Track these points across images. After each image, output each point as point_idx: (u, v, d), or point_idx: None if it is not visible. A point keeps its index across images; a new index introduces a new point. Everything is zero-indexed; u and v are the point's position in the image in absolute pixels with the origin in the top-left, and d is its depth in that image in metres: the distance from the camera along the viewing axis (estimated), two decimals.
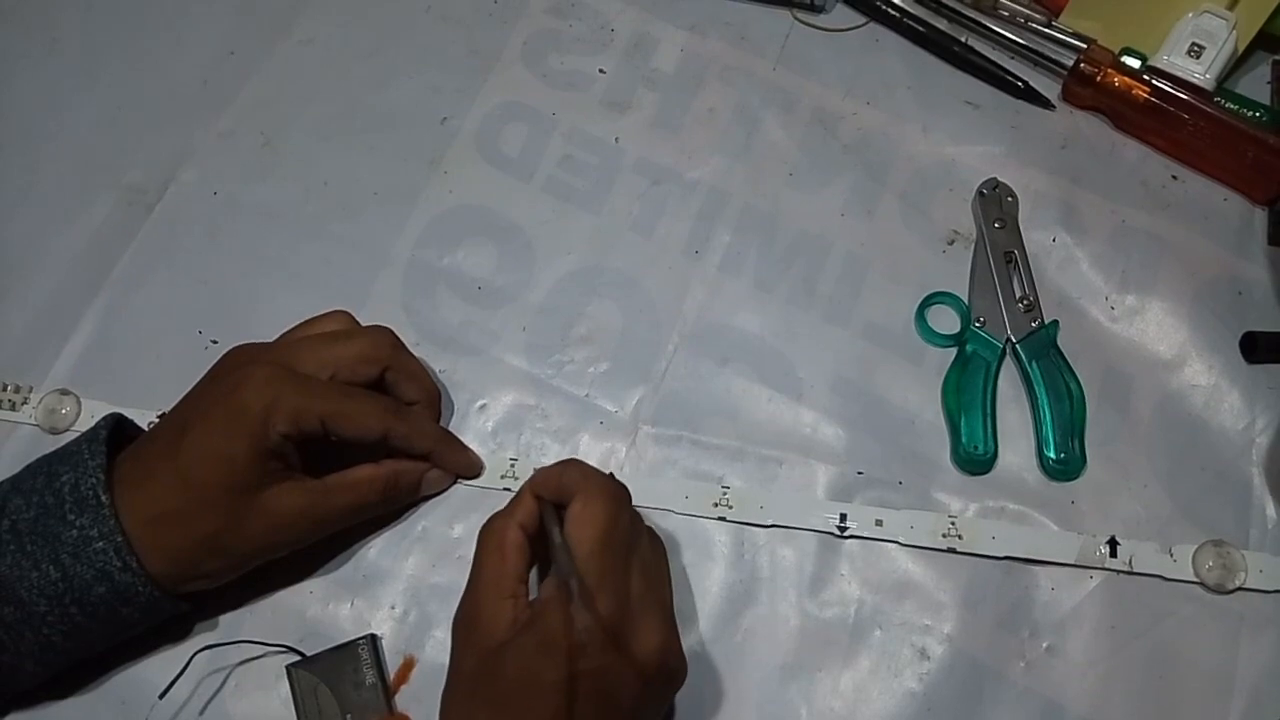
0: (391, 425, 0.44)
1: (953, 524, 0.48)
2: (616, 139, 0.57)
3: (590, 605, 0.37)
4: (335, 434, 0.43)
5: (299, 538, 0.44)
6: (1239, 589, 0.46)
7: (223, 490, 0.41)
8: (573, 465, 0.43)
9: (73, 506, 0.40)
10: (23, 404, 0.51)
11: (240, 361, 0.44)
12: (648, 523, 0.45)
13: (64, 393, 0.51)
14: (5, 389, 0.51)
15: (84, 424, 0.50)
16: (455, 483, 0.49)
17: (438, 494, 0.48)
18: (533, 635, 0.38)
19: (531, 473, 0.44)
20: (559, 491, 0.42)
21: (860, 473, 0.49)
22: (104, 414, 0.46)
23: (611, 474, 0.44)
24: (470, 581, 0.41)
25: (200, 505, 0.41)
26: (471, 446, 0.49)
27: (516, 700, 0.37)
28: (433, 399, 0.49)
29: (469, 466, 0.49)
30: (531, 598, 0.40)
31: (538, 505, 0.42)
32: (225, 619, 0.46)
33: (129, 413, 0.47)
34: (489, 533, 0.42)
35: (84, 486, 0.40)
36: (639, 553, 0.41)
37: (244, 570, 0.44)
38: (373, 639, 0.45)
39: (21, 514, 0.40)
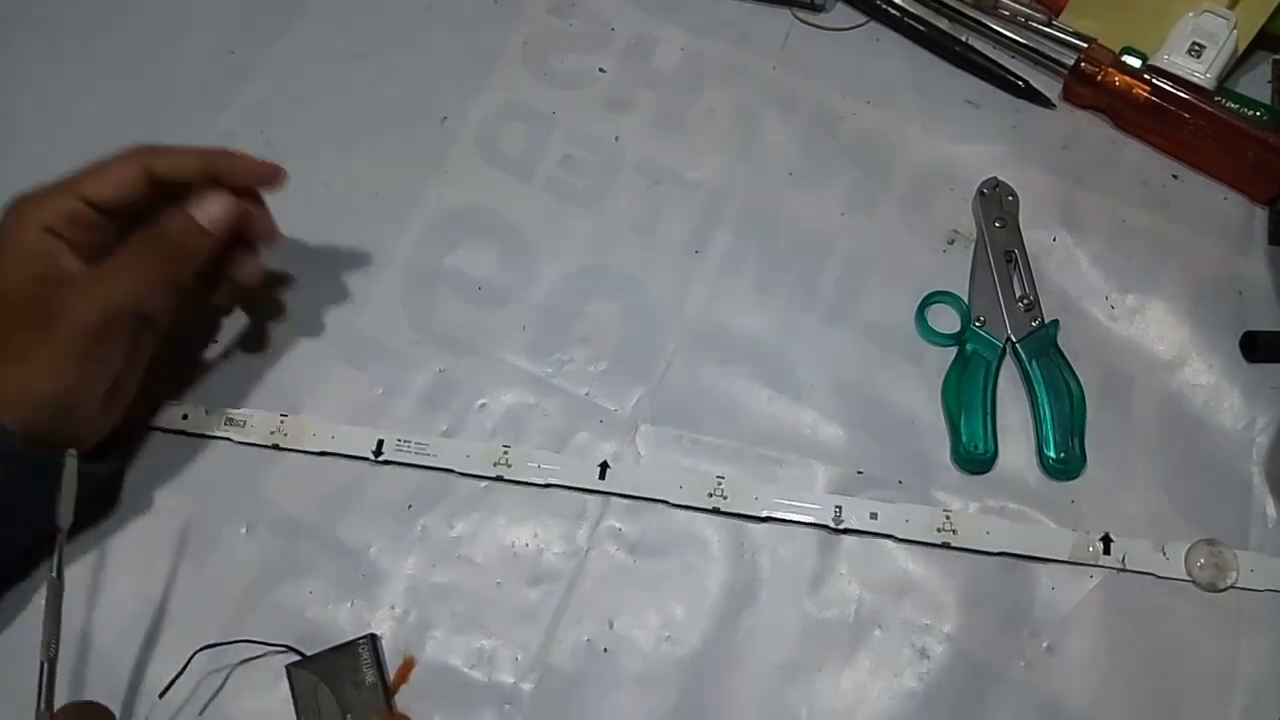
0: (147, 158, 0.44)
1: (948, 518, 0.48)
2: (616, 139, 0.57)
3: None
4: (98, 201, 0.43)
5: (89, 322, 0.42)
6: (1231, 588, 0.46)
7: (14, 309, 0.41)
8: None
9: None
10: None
11: (7, 207, 0.44)
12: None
13: None
14: None
15: None
16: (238, 209, 0.46)
17: (226, 223, 0.46)
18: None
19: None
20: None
21: (860, 472, 0.49)
22: None
23: None
24: None
25: (7, 357, 0.41)
26: (471, 445, 0.49)
27: None
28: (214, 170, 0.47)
29: (265, 170, 0.47)
30: None
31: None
32: (225, 619, 0.46)
33: None
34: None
35: None
36: None
37: (95, 389, 0.43)
38: (372, 639, 0.45)
39: None
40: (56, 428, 0.42)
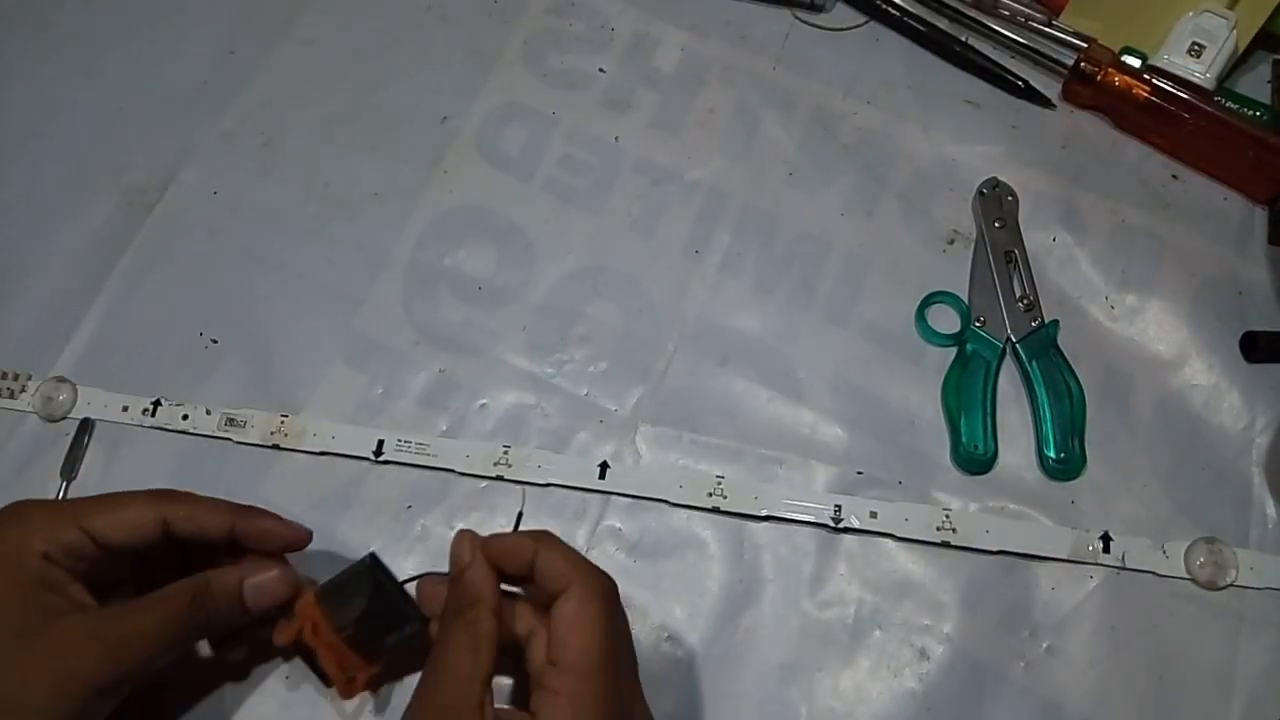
0: (167, 507, 0.39)
1: (947, 517, 0.48)
2: (616, 139, 0.57)
3: None
4: (102, 539, 0.38)
5: (97, 673, 0.36)
6: (1230, 586, 0.47)
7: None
8: (554, 548, 0.38)
9: None
10: (20, 392, 0.51)
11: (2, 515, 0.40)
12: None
13: (60, 380, 0.51)
14: (4, 377, 0.51)
15: (80, 412, 0.50)
16: (296, 590, 0.42)
17: (273, 606, 0.41)
18: None
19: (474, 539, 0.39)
20: (529, 573, 0.37)
21: (860, 473, 0.49)
22: (100, 400, 0.49)
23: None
24: (433, 676, 0.36)
25: None
26: (472, 445, 0.50)
27: None
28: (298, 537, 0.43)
29: (292, 535, 0.42)
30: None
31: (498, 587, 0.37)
32: None
33: (127, 400, 0.48)
34: (461, 623, 0.36)
35: None
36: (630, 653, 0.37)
37: None
38: (373, 557, 0.42)
39: None
40: None
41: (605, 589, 0.37)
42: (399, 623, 0.41)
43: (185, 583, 0.39)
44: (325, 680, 0.42)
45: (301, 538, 0.43)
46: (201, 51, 0.60)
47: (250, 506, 0.42)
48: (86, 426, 0.50)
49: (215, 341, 0.52)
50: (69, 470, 0.49)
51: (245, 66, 0.59)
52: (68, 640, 0.36)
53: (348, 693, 0.41)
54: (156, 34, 0.60)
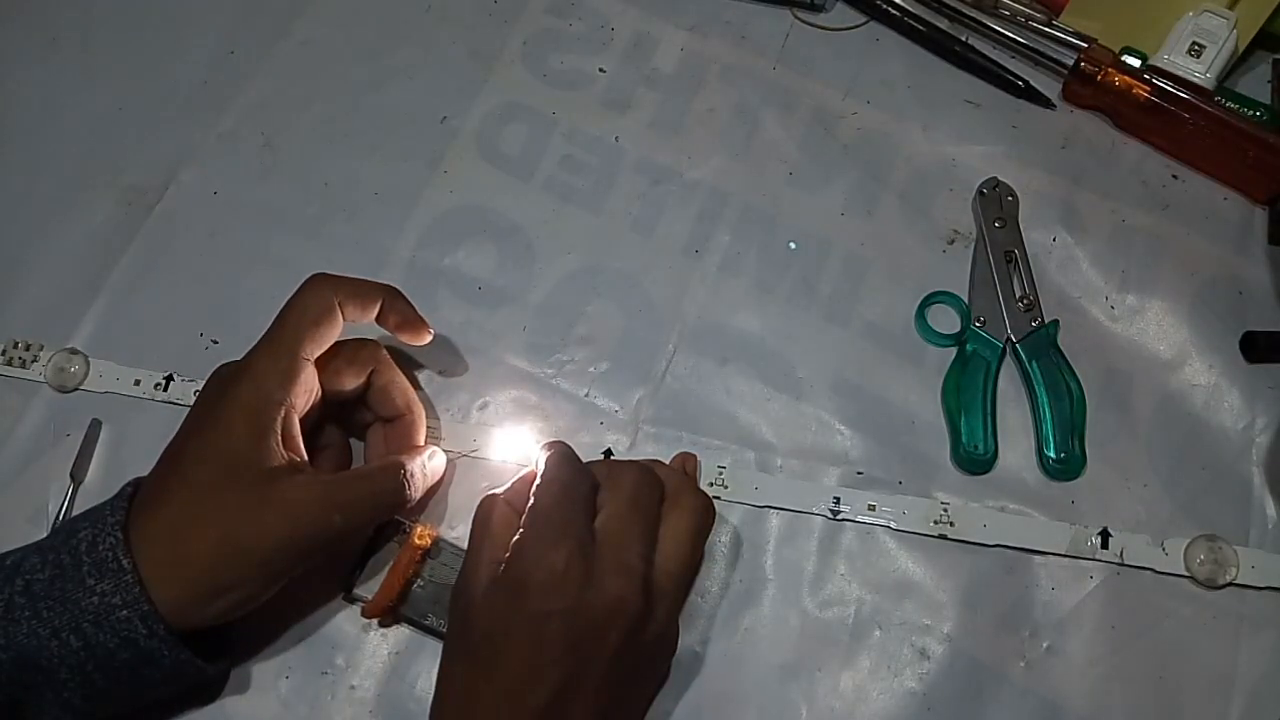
0: (332, 284, 0.44)
1: (945, 510, 0.48)
2: (616, 139, 0.57)
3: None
4: (312, 348, 0.43)
5: (318, 535, 0.40)
6: (1230, 584, 0.46)
7: (230, 485, 0.39)
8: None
9: (91, 569, 0.38)
10: (33, 361, 0.51)
11: (219, 374, 0.44)
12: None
13: (73, 352, 0.51)
14: (16, 346, 0.52)
15: (92, 384, 0.51)
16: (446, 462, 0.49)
17: (436, 478, 0.47)
18: (500, 585, 0.38)
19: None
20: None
21: (860, 473, 0.49)
22: (113, 373, 0.50)
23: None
24: (464, 559, 0.42)
25: (210, 507, 0.39)
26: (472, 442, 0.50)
27: (487, 648, 0.38)
28: (419, 412, 0.48)
29: (423, 325, 0.48)
30: None
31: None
32: None
33: (139, 374, 0.49)
34: (478, 510, 0.42)
35: (102, 546, 0.38)
36: (637, 510, 0.41)
37: (269, 586, 0.41)
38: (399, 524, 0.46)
39: (36, 574, 0.38)
40: (200, 609, 0.39)
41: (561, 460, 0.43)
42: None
43: (392, 461, 0.44)
44: (351, 576, 0.45)
45: (427, 329, 0.48)
46: (201, 51, 0.60)
47: (391, 286, 0.46)
48: (94, 429, 0.50)
49: (216, 342, 0.52)
50: (78, 472, 0.49)
51: (245, 66, 0.59)
52: (301, 500, 0.40)
53: (371, 611, 0.44)
54: (156, 34, 0.60)
